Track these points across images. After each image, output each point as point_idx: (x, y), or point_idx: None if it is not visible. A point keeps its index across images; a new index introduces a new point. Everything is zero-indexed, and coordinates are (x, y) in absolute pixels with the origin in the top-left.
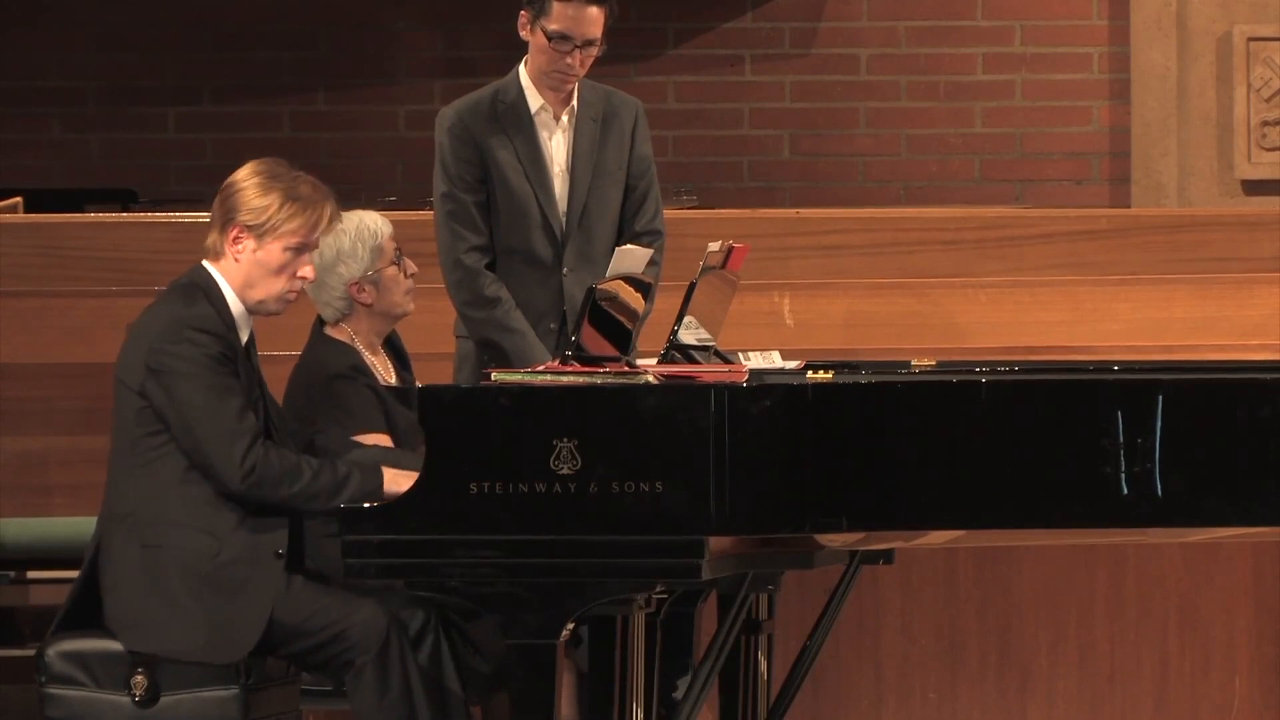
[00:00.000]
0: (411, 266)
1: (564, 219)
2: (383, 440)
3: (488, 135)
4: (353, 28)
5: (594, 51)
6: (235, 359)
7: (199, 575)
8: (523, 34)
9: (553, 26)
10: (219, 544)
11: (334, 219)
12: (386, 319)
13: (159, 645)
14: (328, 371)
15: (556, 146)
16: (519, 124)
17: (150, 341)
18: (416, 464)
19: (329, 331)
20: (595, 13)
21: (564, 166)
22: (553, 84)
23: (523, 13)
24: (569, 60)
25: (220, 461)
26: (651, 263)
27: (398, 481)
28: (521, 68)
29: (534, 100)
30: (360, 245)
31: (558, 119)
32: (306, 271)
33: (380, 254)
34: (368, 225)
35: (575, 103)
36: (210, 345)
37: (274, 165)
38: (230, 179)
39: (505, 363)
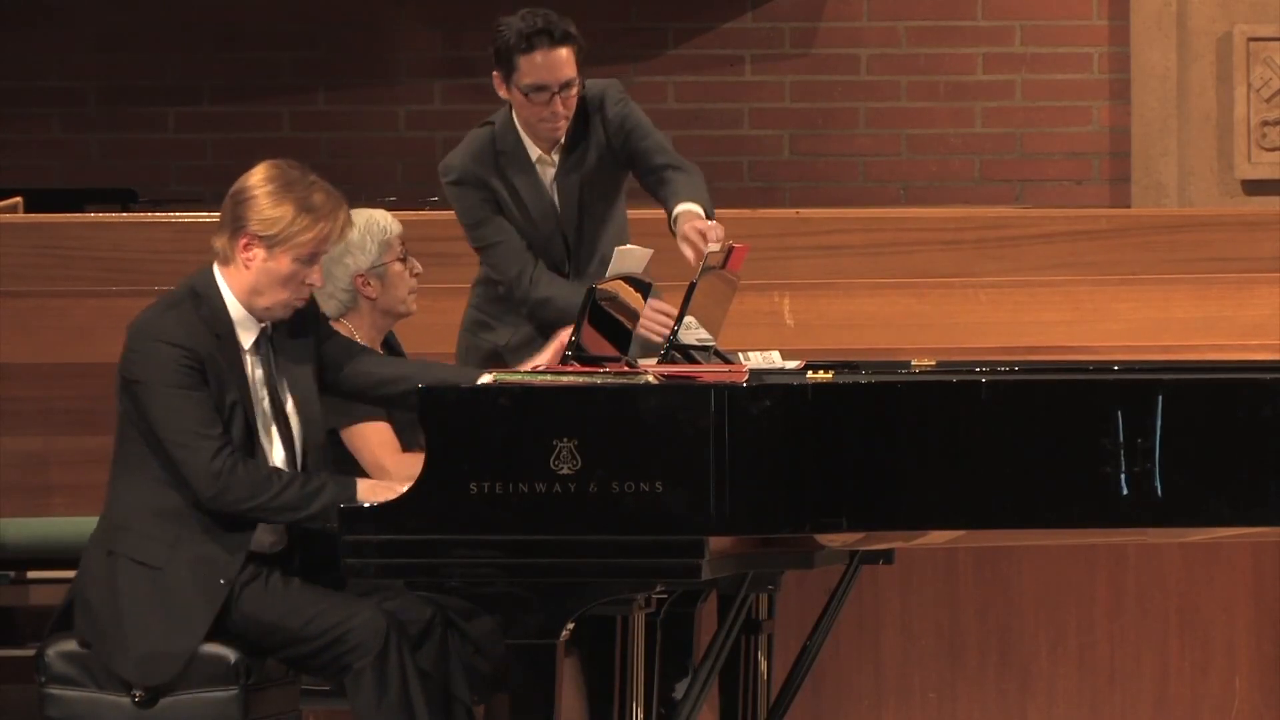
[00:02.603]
0: (417, 267)
1: (570, 253)
2: (385, 430)
3: (492, 178)
4: (353, 28)
5: (574, 91)
6: (203, 368)
7: (140, 587)
8: (500, 93)
9: (526, 80)
10: (169, 554)
11: (346, 228)
12: (389, 316)
13: (106, 657)
14: None
15: (555, 190)
16: (521, 171)
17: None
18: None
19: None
20: (564, 54)
21: (562, 205)
22: (545, 133)
23: (495, 74)
24: (552, 108)
25: (189, 472)
26: (699, 191)
27: (376, 493)
28: (512, 112)
29: (532, 150)
30: (369, 238)
31: (554, 165)
32: (315, 278)
33: (388, 249)
34: (377, 221)
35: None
36: (175, 356)
37: (287, 171)
38: (242, 183)
39: (504, 364)
